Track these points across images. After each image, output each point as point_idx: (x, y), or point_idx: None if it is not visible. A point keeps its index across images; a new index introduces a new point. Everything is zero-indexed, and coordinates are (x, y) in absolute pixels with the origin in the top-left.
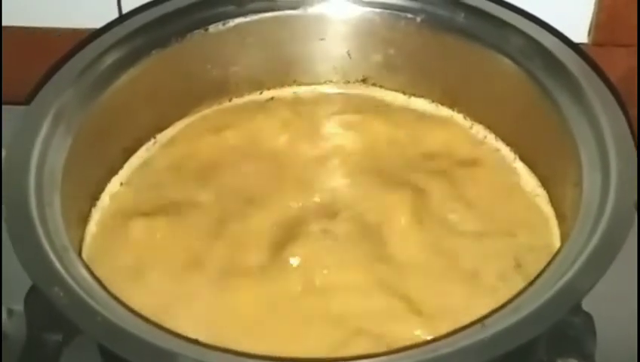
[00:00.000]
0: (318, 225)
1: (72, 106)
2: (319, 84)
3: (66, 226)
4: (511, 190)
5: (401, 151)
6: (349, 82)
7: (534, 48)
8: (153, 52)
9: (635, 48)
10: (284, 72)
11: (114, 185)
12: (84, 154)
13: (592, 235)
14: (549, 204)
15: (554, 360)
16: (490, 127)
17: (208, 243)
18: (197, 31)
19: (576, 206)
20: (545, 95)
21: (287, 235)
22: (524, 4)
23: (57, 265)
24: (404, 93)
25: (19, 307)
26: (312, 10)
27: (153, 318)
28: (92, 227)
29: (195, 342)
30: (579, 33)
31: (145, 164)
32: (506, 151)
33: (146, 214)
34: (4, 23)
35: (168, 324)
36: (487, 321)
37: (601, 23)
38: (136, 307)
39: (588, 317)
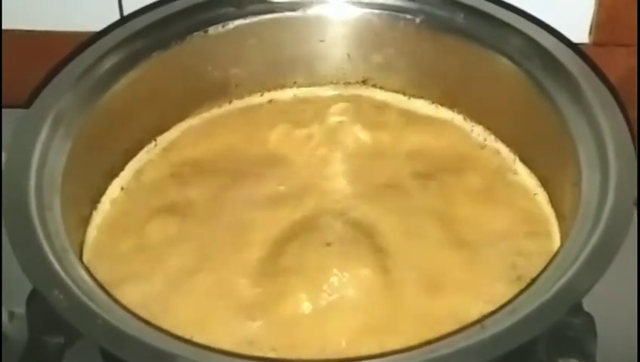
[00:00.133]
0: (318, 225)
1: (72, 109)
2: (319, 85)
3: (66, 229)
4: (510, 191)
5: (400, 151)
6: (348, 83)
7: (533, 48)
8: (153, 54)
9: (636, 48)
10: (284, 73)
11: (114, 188)
12: (84, 157)
13: (591, 235)
14: (549, 204)
15: (555, 361)
16: (489, 127)
17: (209, 246)
18: (197, 33)
19: (576, 206)
20: (544, 95)
21: (288, 236)
22: (524, 4)
23: (57, 267)
24: (403, 94)
25: (20, 310)
26: (312, 11)
27: (153, 320)
28: (92, 230)
29: (195, 344)
30: (579, 33)
31: (145, 167)
32: (505, 151)
33: (146, 217)
34: (4, 27)
35: (168, 325)
36: (487, 322)
37: (601, 23)
38: (136, 309)
39: (589, 317)
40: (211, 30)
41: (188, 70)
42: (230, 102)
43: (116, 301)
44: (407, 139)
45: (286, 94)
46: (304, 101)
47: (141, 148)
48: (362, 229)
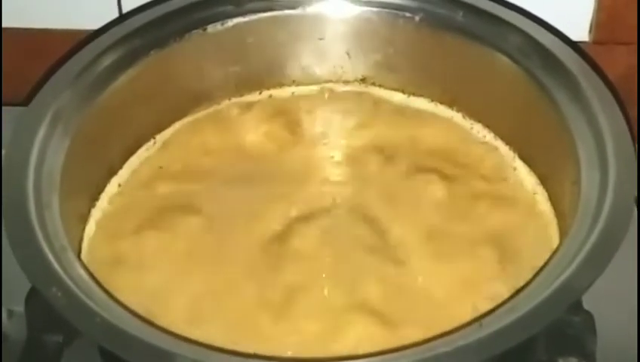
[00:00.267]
0: (317, 223)
1: (71, 107)
2: (318, 83)
3: (64, 227)
4: (510, 188)
5: (400, 150)
6: (348, 82)
7: (533, 47)
8: (152, 52)
9: (635, 46)
10: (283, 71)
11: (113, 186)
12: (82, 154)
13: (590, 233)
14: (548, 202)
15: (554, 359)
16: (489, 125)
17: (208, 244)
18: (195, 31)
19: (575, 204)
20: (543, 93)
21: (288, 233)
22: (524, 2)
23: (56, 266)
24: (403, 92)
25: (19, 308)
26: (311, 9)
27: (151, 318)
28: (91, 228)
29: (194, 342)
30: (579, 31)
31: (144, 165)
32: (505, 149)
33: (145, 215)
34: (4, 25)
35: (166, 323)
36: (485, 320)
37: (601, 22)
38: (135, 307)
39: (588, 315)
40: (210, 28)
41: (187, 68)
42: (229, 100)
43: (115, 299)
44: (407, 138)
45: (285, 92)
46: (303, 99)
47: (140, 146)
48: (364, 226)
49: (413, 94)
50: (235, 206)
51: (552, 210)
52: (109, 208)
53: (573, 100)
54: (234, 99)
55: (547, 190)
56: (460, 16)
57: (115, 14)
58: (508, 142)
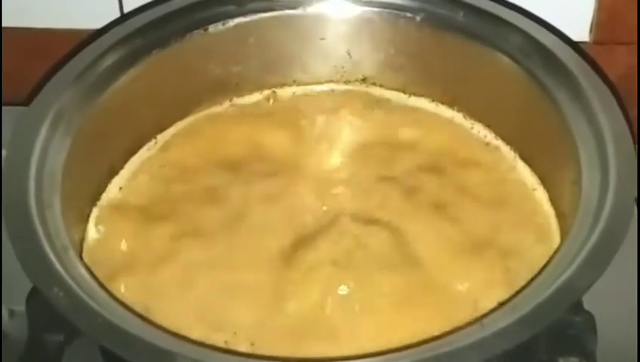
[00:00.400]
0: (320, 223)
1: (72, 107)
2: (319, 83)
3: (66, 227)
4: (511, 189)
5: (401, 150)
6: (349, 82)
7: (534, 47)
8: (153, 52)
9: (636, 46)
10: (284, 71)
11: (114, 186)
12: (84, 154)
13: (591, 233)
14: (549, 202)
15: (555, 359)
16: (490, 125)
17: (210, 243)
18: (197, 31)
19: (576, 204)
20: (544, 93)
21: (291, 235)
22: (525, 3)
23: (57, 265)
24: (404, 92)
25: (20, 308)
26: (312, 9)
27: (152, 318)
28: (92, 228)
29: (195, 342)
30: (580, 31)
31: (145, 165)
32: (505, 149)
33: (146, 215)
34: (4, 24)
35: (167, 322)
36: (486, 320)
37: (601, 22)
38: (136, 307)
39: (589, 315)
40: (211, 28)
41: (188, 68)
42: (230, 100)
43: (116, 299)
44: (408, 138)
45: (286, 92)
46: (304, 99)
47: (141, 146)
48: (367, 225)
49: (414, 94)
50: (237, 207)
51: (553, 210)
52: (111, 208)
53: (574, 100)
54: (235, 99)
55: (548, 190)
56: (460, 16)
57: (117, 14)
58: (508, 142)
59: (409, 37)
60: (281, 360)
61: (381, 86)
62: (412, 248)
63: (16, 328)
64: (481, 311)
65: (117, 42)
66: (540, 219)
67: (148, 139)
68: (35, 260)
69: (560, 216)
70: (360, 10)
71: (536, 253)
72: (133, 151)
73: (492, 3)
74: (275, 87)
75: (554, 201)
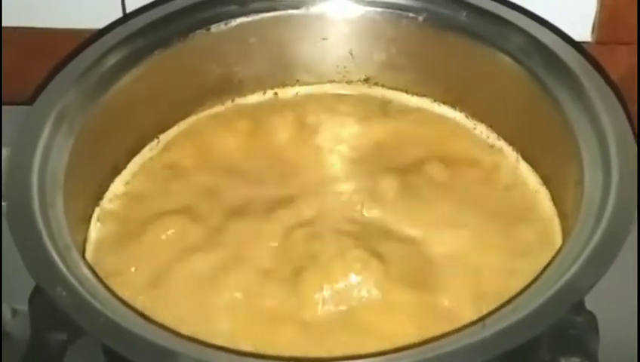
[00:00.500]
0: (322, 223)
1: (75, 106)
2: (322, 83)
3: (69, 226)
4: (513, 189)
5: (403, 150)
6: (351, 82)
7: (536, 47)
8: (155, 52)
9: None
10: (286, 71)
11: (117, 185)
12: (86, 154)
13: (593, 234)
14: (551, 202)
15: (557, 359)
16: (492, 126)
17: (212, 243)
18: (199, 31)
19: (578, 204)
20: (546, 93)
21: (292, 235)
22: (527, 3)
23: (60, 265)
24: (406, 92)
25: (23, 307)
26: (314, 9)
27: (155, 317)
28: (95, 227)
29: (197, 341)
30: (582, 31)
31: (148, 164)
32: (507, 150)
33: (149, 214)
34: (7, 24)
35: (170, 321)
36: (488, 320)
37: (603, 22)
38: (139, 306)
39: (591, 316)
40: (214, 28)
41: (190, 68)
42: (233, 100)
43: (119, 298)
44: (410, 138)
45: (288, 92)
46: (306, 99)
47: (144, 145)
48: (366, 224)
49: (417, 94)
50: (239, 207)
51: (555, 211)
52: (113, 207)
53: (576, 100)
54: (237, 99)
55: (550, 190)
56: (463, 16)
57: (119, 14)
58: (511, 143)
59: (411, 37)
60: (284, 359)
61: (383, 86)
62: (415, 248)
63: (19, 327)
64: (482, 311)
65: (119, 42)
66: (541, 220)
67: (150, 139)
68: (38, 259)
69: (562, 216)
70: (362, 10)
71: (538, 254)
72: (135, 151)
73: (494, 3)
74: (278, 87)
75: (556, 201)
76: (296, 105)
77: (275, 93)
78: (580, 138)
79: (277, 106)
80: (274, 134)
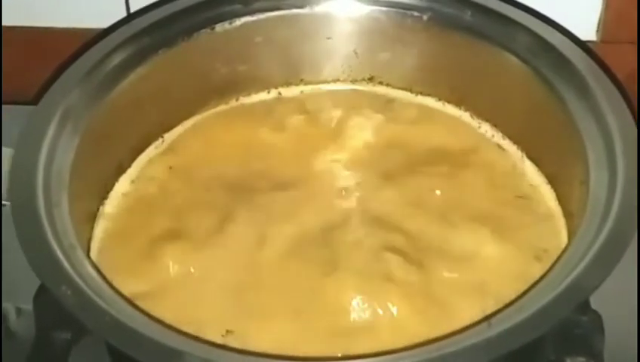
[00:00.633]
0: (326, 221)
1: (80, 106)
2: (326, 82)
3: (74, 225)
4: (518, 188)
5: (407, 149)
6: (355, 80)
7: (541, 46)
8: (160, 51)
9: None
10: (291, 70)
11: (122, 184)
12: (91, 153)
13: (598, 233)
14: (557, 201)
15: (562, 359)
16: (497, 125)
17: (214, 243)
18: (204, 30)
19: (583, 204)
20: (551, 92)
21: (301, 234)
22: (532, 2)
23: (65, 264)
24: (410, 91)
25: (28, 306)
26: (319, 8)
27: (159, 316)
28: (100, 226)
29: (202, 340)
30: (587, 30)
31: (153, 163)
32: (513, 149)
33: (153, 213)
34: (11, 23)
35: (173, 320)
36: (493, 320)
37: (608, 21)
38: (143, 305)
39: (596, 315)
40: (218, 27)
41: (195, 67)
42: (237, 99)
43: (124, 297)
44: (414, 137)
45: (293, 91)
46: (311, 98)
47: (148, 144)
48: (376, 223)
49: (421, 93)
50: (243, 206)
51: (561, 210)
52: (118, 206)
53: (582, 99)
54: (242, 99)
55: (555, 189)
56: (468, 15)
57: (123, 13)
58: (516, 142)
59: (416, 36)
60: (289, 359)
61: (388, 85)
62: (419, 249)
63: (24, 326)
64: (488, 310)
65: (124, 41)
66: (547, 219)
67: (155, 138)
68: (43, 258)
69: (568, 215)
70: (367, 9)
71: (544, 253)
72: (140, 150)
73: (499, 2)
74: (282, 86)
75: (562, 201)
76: (301, 104)
77: (280, 93)
78: (586, 137)
79: (281, 105)
80: (278, 133)
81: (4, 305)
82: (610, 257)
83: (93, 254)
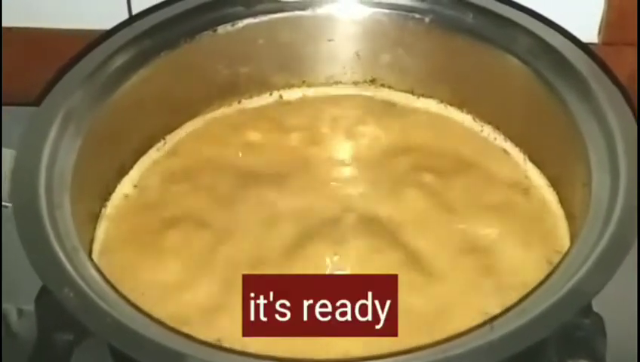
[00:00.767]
0: (328, 224)
1: (82, 107)
2: (328, 85)
3: (76, 227)
4: (520, 191)
5: (409, 151)
6: (357, 83)
7: (543, 48)
8: (162, 53)
9: None
10: (293, 73)
11: (124, 186)
12: (93, 155)
13: (601, 236)
14: (559, 204)
15: None
16: (499, 127)
17: (216, 242)
18: (206, 32)
19: (586, 206)
20: (553, 95)
21: (298, 235)
22: (534, 4)
23: (67, 266)
24: (412, 93)
25: (29, 307)
26: (321, 11)
27: (162, 318)
28: (102, 227)
29: (204, 343)
30: (589, 32)
31: (155, 165)
32: (515, 151)
33: (155, 215)
34: (14, 24)
35: (177, 323)
36: (496, 323)
37: (610, 23)
38: (145, 307)
39: (598, 318)
40: (220, 29)
41: (197, 69)
42: (239, 101)
43: (126, 299)
44: (416, 139)
45: (295, 93)
46: (313, 100)
47: (150, 146)
48: (376, 226)
49: (423, 95)
50: (246, 208)
51: (563, 212)
52: (120, 208)
53: (583, 101)
54: (244, 101)
55: (557, 192)
56: (469, 17)
57: (125, 15)
58: (518, 144)
59: (418, 38)
60: (289, 360)
61: (390, 87)
62: (421, 250)
63: (25, 328)
64: (490, 314)
65: (126, 43)
66: (549, 222)
67: (157, 140)
68: (45, 260)
69: (570, 217)
70: (369, 11)
71: (546, 255)
72: (142, 152)
73: (501, 4)
74: (284, 88)
75: (564, 203)
76: (303, 107)
77: (282, 95)
78: (588, 139)
79: (283, 107)
80: (280, 135)
81: (4, 306)
82: (613, 261)
83: (95, 255)
